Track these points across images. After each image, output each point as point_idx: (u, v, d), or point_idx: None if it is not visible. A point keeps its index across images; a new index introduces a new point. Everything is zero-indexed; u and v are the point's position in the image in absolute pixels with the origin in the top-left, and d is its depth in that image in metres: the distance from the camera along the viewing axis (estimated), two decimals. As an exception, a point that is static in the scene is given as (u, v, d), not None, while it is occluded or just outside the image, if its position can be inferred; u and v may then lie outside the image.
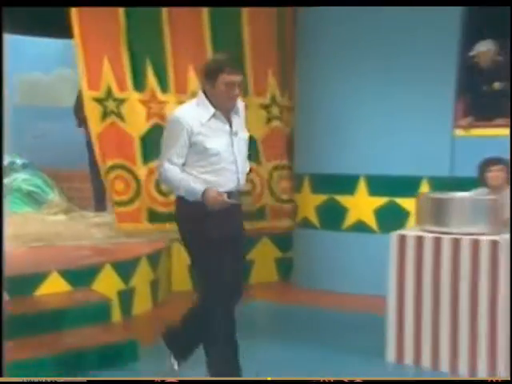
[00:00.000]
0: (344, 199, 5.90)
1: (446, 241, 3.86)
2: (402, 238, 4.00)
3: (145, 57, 5.92)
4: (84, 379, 3.20)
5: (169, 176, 3.27)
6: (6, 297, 3.70)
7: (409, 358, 3.98)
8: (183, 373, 3.48)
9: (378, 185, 5.74)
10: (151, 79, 5.97)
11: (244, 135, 3.39)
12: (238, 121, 3.36)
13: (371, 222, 5.77)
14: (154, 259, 5.34)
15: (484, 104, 5.47)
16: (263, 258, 6.37)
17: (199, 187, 3.18)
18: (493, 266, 3.74)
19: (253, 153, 5.68)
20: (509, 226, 3.98)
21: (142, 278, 5.12)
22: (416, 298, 3.95)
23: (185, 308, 4.67)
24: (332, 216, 5.97)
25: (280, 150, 6.38)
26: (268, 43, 6.21)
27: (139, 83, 5.95)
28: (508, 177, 4.72)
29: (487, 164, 4.75)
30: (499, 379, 3.10)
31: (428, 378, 3.46)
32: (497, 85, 5.54)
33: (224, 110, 3.27)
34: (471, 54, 5.67)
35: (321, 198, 6.01)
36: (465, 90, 5.58)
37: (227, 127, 3.28)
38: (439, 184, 5.33)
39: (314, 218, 6.10)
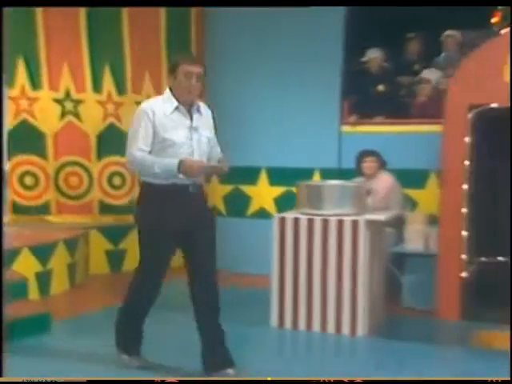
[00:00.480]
0: (248, 189, 6.55)
1: (318, 221, 4.54)
2: (282, 220, 4.67)
3: (17, 55, 6.29)
4: (84, 379, 3.20)
5: (141, 161, 3.43)
6: None
7: (288, 323, 4.65)
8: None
9: (277, 176, 6.41)
10: (22, 76, 6.36)
11: (206, 133, 3.58)
12: (200, 118, 3.57)
13: (271, 208, 6.43)
14: (71, 244, 5.83)
15: (367, 104, 6.20)
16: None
17: (174, 161, 3.38)
18: (354, 242, 4.46)
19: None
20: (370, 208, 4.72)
21: (59, 261, 5.61)
22: (294, 270, 4.62)
23: (101, 290, 5.16)
24: (237, 204, 6.61)
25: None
26: (151, 44, 6.68)
27: (9, 79, 6.30)
28: (379, 166, 5.47)
29: (362, 156, 5.48)
30: (499, 379, 3.07)
31: (428, 378, 3.48)
32: (381, 87, 6.28)
33: (186, 103, 3.51)
34: (363, 59, 6.38)
35: (227, 189, 6.64)
36: (352, 92, 6.30)
37: (188, 122, 3.51)
38: (329, 174, 6.03)
39: (221, 207, 6.73)
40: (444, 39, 6.46)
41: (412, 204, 5.80)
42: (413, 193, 5.82)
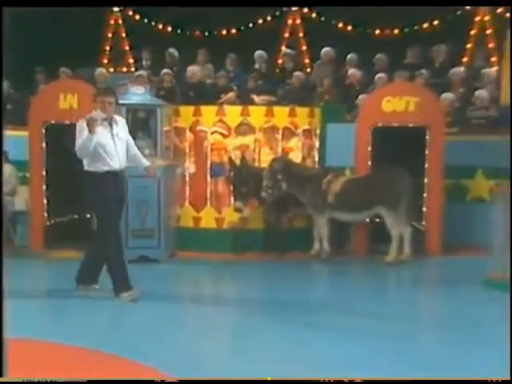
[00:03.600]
0: None
1: None
2: None
3: None
4: (84, 379, 3.35)
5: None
6: None
7: None
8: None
9: None
10: None
11: (124, 136, 5.53)
12: (118, 128, 5.47)
13: None
14: None
15: None
16: None
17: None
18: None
19: None
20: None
21: None
22: None
23: None
24: None
25: None
26: None
27: None
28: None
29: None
30: (499, 379, 3.11)
31: (428, 378, 3.53)
32: (8, 106, 9.11)
33: (108, 120, 5.37)
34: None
35: None
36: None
37: (110, 131, 5.43)
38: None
39: None
40: (60, 73, 9.55)
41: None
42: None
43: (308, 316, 5.17)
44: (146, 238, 7.14)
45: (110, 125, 5.49)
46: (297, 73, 9.20)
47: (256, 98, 7.92)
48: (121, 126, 5.60)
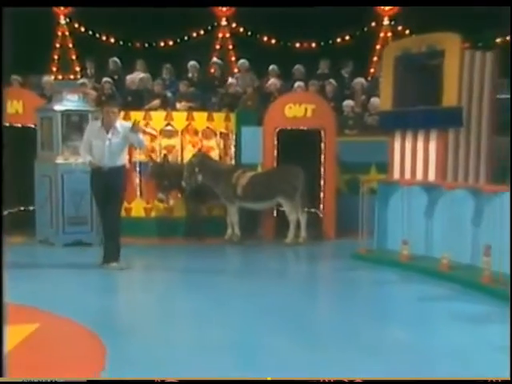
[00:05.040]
0: None
1: None
2: None
3: None
4: (84, 379, 3.38)
5: (83, 157, 6.86)
6: None
7: None
8: None
9: None
10: None
11: (117, 141, 6.72)
12: (116, 132, 6.70)
13: None
14: None
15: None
16: None
17: (88, 159, 6.79)
18: None
19: None
20: None
21: None
22: None
23: None
24: None
25: None
26: None
27: None
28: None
29: None
30: (499, 379, 3.14)
31: (428, 378, 3.59)
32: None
33: (107, 126, 6.74)
34: None
35: None
36: None
37: (106, 135, 6.74)
38: None
39: None
40: (12, 81, 10.61)
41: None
42: None
43: (216, 282, 6.55)
44: (80, 224, 8.26)
45: (107, 131, 6.78)
46: (231, 81, 10.35)
47: (178, 105, 9.09)
48: (120, 130, 6.78)
